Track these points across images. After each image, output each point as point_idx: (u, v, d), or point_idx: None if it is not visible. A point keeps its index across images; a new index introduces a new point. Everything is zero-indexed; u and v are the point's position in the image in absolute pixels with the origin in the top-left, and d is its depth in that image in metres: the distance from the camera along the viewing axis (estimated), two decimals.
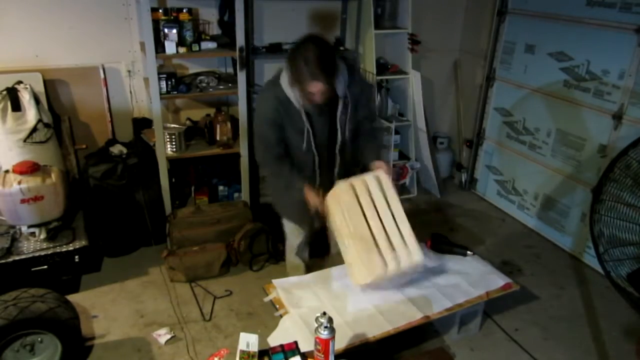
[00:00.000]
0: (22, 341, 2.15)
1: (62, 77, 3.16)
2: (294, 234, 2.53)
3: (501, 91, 3.89)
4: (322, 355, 1.66)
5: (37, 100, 2.84)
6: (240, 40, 3.01)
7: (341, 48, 3.69)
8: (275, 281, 2.40)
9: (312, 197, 2.14)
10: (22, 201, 2.54)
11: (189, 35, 3.00)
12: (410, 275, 2.32)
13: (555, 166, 3.49)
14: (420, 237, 2.25)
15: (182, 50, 2.98)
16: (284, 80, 2.06)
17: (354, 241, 2.13)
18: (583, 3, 3.10)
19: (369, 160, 2.25)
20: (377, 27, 3.55)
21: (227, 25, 3.25)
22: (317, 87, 1.95)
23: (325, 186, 2.20)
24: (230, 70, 3.51)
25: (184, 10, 3.05)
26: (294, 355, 1.69)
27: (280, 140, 2.16)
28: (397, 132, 3.91)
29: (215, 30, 3.38)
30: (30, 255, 2.63)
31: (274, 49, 3.50)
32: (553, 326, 2.72)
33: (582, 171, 3.29)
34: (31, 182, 2.54)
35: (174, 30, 2.93)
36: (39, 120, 2.81)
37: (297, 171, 2.19)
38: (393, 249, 2.13)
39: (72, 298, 2.56)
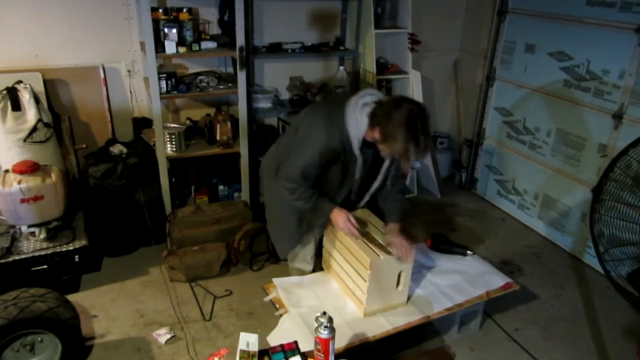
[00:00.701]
0: (22, 341, 2.14)
1: (62, 76, 3.16)
2: (303, 254, 2.47)
3: (501, 91, 3.89)
4: (322, 355, 1.66)
5: (37, 100, 2.84)
6: (240, 40, 3.01)
7: (341, 48, 3.70)
8: (275, 280, 2.41)
9: (339, 218, 2.15)
10: (22, 201, 2.54)
11: (189, 35, 3.00)
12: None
13: (555, 166, 3.49)
14: (420, 237, 2.27)
15: (182, 50, 2.98)
16: (353, 130, 1.99)
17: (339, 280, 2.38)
18: (583, 3, 3.10)
19: (390, 217, 2.29)
20: (377, 26, 3.55)
21: (227, 25, 3.25)
22: (413, 151, 1.90)
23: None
24: (230, 70, 3.51)
25: (184, 10, 3.05)
26: (294, 355, 1.69)
27: (318, 174, 2.12)
28: None
29: (215, 30, 3.38)
30: (30, 255, 2.63)
31: (274, 49, 3.50)
32: (553, 326, 2.72)
33: (582, 171, 3.29)
34: (31, 182, 2.54)
35: (174, 30, 2.93)
36: (39, 120, 2.81)
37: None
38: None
39: (72, 298, 2.56)
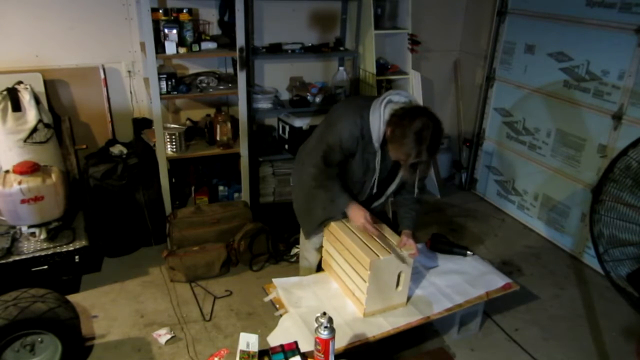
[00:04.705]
0: (22, 341, 2.15)
1: (62, 77, 3.17)
2: (313, 242, 2.52)
3: (501, 91, 3.89)
4: (322, 355, 1.66)
5: (37, 101, 2.84)
6: (240, 40, 3.02)
7: (341, 48, 3.70)
8: (275, 280, 2.41)
9: (357, 214, 2.18)
10: (23, 201, 2.54)
11: (189, 36, 3.00)
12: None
13: (555, 166, 3.49)
14: (420, 237, 2.28)
15: (182, 50, 2.98)
16: (375, 122, 2.04)
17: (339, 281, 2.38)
18: (583, 3, 3.10)
19: (403, 222, 2.34)
20: (377, 27, 3.55)
21: (227, 26, 3.25)
22: (412, 161, 1.95)
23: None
24: (230, 70, 3.52)
25: (184, 11, 3.05)
26: (294, 355, 1.69)
27: (340, 162, 2.18)
28: None
29: (215, 30, 3.38)
30: (31, 256, 2.63)
31: (274, 49, 3.50)
32: (553, 326, 2.73)
33: (582, 171, 3.29)
34: (31, 182, 2.54)
35: (174, 31, 2.93)
36: (39, 121, 2.81)
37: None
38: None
39: (72, 298, 2.57)
